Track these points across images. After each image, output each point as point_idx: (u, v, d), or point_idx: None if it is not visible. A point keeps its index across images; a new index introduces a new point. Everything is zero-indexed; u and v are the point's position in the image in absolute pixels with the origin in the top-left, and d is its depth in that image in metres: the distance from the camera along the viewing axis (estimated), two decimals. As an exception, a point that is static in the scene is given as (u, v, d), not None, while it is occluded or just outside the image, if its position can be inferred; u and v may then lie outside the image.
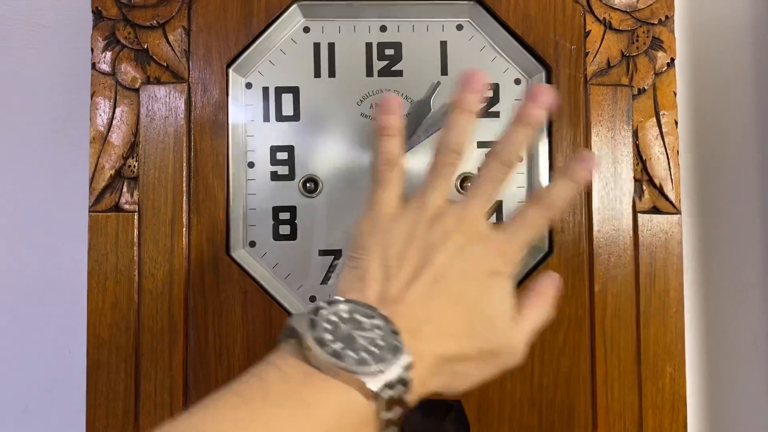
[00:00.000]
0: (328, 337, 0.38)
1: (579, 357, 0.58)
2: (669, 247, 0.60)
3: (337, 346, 0.38)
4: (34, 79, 0.76)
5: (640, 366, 0.59)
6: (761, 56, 0.84)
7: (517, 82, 0.62)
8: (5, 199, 0.77)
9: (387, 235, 0.45)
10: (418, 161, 0.61)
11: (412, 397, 0.40)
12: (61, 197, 0.75)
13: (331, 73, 0.61)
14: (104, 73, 0.59)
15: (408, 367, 0.39)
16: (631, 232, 0.59)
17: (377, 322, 0.40)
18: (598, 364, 0.58)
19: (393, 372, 0.38)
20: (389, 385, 0.38)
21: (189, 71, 0.59)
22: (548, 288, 0.48)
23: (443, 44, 0.62)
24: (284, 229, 0.60)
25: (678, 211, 0.60)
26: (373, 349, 0.38)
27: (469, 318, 0.43)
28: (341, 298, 0.41)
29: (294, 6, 0.60)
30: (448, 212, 0.45)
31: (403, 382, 0.38)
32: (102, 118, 0.59)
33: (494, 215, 0.61)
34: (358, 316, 0.40)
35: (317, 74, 0.61)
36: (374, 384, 0.37)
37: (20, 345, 0.80)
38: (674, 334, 0.59)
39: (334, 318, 0.40)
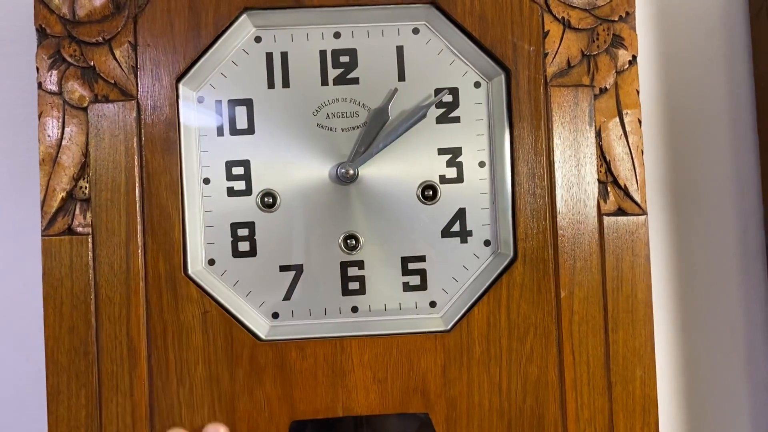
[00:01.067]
0: None
1: (547, 364, 0.58)
2: (635, 249, 0.59)
3: None
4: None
5: (609, 371, 0.58)
6: (731, 48, 0.83)
7: (477, 85, 0.60)
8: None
9: None
10: (375, 172, 0.59)
11: None
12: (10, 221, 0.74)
13: (285, 84, 0.59)
14: (51, 93, 0.58)
15: None
16: (597, 236, 0.59)
17: None
18: (567, 371, 0.58)
19: None
20: None
21: (138, 88, 0.57)
22: None
23: (400, 49, 0.60)
24: (243, 246, 0.59)
25: (644, 212, 0.59)
26: None
27: None
28: None
29: (244, 15, 0.59)
30: None
31: None
32: (51, 140, 0.58)
33: (457, 223, 0.60)
34: None
35: (271, 85, 0.59)
36: None
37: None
38: (643, 337, 0.58)
39: None
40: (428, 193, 0.60)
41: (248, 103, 0.59)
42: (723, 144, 0.83)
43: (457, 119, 0.60)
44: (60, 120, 0.58)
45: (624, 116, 0.60)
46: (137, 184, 0.57)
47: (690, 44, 0.82)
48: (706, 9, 0.82)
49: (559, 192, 0.58)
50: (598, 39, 0.60)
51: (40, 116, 0.58)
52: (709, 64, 0.83)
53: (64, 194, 0.57)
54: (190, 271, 0.58)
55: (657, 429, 0.58)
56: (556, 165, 0.58)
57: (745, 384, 0.81)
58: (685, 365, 0.81)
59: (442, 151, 0.60)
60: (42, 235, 0.57)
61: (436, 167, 0.60)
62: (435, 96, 0.60)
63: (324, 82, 0.60)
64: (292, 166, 0.59)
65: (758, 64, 0.82)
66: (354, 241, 0.59)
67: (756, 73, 0.82)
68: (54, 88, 0.58)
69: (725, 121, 0.83)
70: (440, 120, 0.60)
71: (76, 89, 0.57)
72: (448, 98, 0.60)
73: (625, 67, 0.60)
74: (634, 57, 0.60)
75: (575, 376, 0.58)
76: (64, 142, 0.58)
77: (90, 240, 0.57)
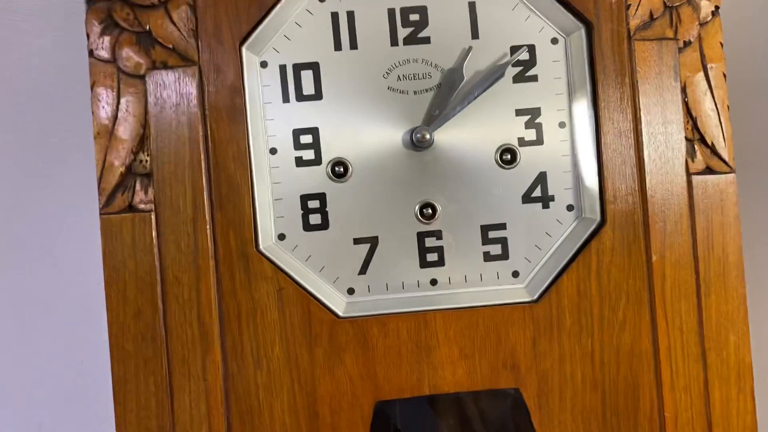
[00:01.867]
0: None
1: (640, 332, 0.55)
2: (725, 209, 0.56)
3: None
4: (21, 71, 0.70)
5: (703, 337, 0.56)
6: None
7: (554, 41, 0.57)
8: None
9: None
10: (451, 136, 0.56)
11: None
12: (63, 198, 0.70)
13: (353, 45, 0.56)
14: (104, 61, 0.54)
15: None
16: (686, 197, 0.56)
17: None
18: (661, 338, 0.55)
19: None
20: None
21: (199, 52, 0.54)
22: None
23: (472, 5, 0.57)
24: (315, 219, 0.56)
25: (732, 170, 0.57)
26: None
27: None
28: None
29: (308, -27, 0.55)
30: None
31: None
32: (106, 111, 0.54)
33: (539, 188, 0.57)
34: None
35: (338, 47, 0.56)
36: None
37: (29, 358, 0.75)
38: (736, 301, 0.56)
39: None
40: (507, 156, 0.57)
41: (314, 67, 0.56)
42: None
43: (534, 78, 0.57)
44: (115, 90, 0.54)
45: (709, 70, 0.57)
46: (202, 156, 0.53)
47: None
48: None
49: (647, 151, 0.56)
50: (680, -11, 0.57)
51: (92, 86, 0.54)
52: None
53: (123, 169, 0.54)
54: (261, 247, 0.54)
55: (752, 395, 0.56)
56: (643, 123, 0.56)
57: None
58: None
59: (520, 112, 0.57)
60: (100, 214, 0.53)
61: (514, 129, 0.57)
62: (511, 54, 0.57)
63: (394, 42, 0.56)
64: (363, 133, 0.56)
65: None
66: (431, 210, 0.56)
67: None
68: (107, 55, 0.54)
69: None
70: (517, 79, 0.57)
71: (132, 56, 0.54)
72: (524, 56, 0.57)
73: (708, 19, 0.57)
74: (717, 8, 0.57)
75: (669, 344, 0.55)
76: (120, 114, 0.54)
77: (153, 217, 0.53)
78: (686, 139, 0.57)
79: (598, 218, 0.56)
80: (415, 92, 0.56)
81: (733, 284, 0.56)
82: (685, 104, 0.57)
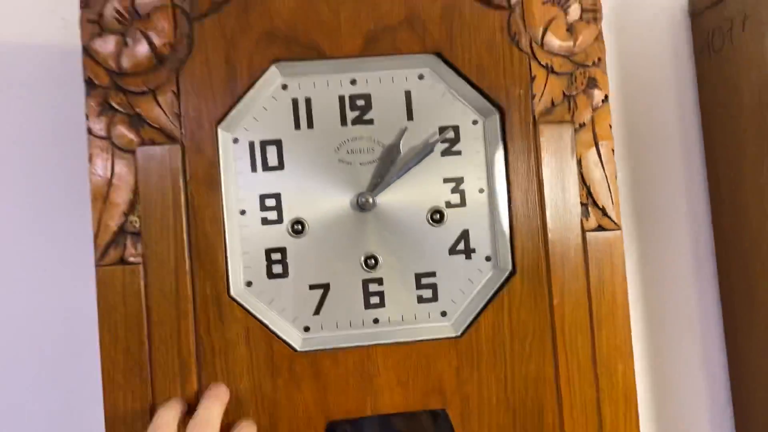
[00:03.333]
0: None
1: (544, 362, 0.67)
2: (614, 259, 0.69)
3: None
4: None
5: (596, 366, 0.68)
6: (679, 82, 0.95)
7: (475, 122, 0.70)
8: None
9: None
10: (390, 199, 0.68)
11: None
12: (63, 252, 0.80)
13: (310, 125, 0.68)
14: (100, 137, 0.64)
15: None
16: (581, 250, 0.68)
17: None
18: (561, 367, 0.67)
19: None
20: None
21: (181, 132, 0.65)
22: None
23: (408, 93, 0.69)
24: (277, 268, 0.67)
25: (619, 228, 0.69)
26: None
27: None
28: None
29: (273, 66, 0.66)
30: None
31: None
32: (101, 179, 0.64)
33: (462, 242, 0.69)
34: None
35: (297, 126, 0.67)
36: None
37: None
38: (623, 335, 0.68)
39: None
40: (436, 216, 0.69)
41: (278, 143, 0.67)
42: (676, 166, 0.95)
43: (459, 152, 0.69)
44: (109, 161, 0.64)
45: (600, 147, 0.70)
46: (184, 218, 0.64)
47: (645, 80, 0.94)
48: (656, 49, 0.95)
49: (549, 213, 0.68)
50: (576, 81, 0.70)
51: (90, 158, 0.64)
52: (659, 96, 0.95)
53: (115, 228, 0.64)
54: (232, 293, 0.65)
55: (637, 414, 0.68)
56: (546, 190, 0.68)
57: (702, 370, 0.94)
58: (651, 356, 0.93)
59: (446, 180, 0.69)
60: (96, 266, 0.64)
61: (442, 194, 0.69)
62: (439, 133, 0.69)
63: (343, 122, 0.68)
64: (318, 197, 0.67)
65: (702, 94, 0.94)
66: (374, 261, 0.68)
67: (701, 102, 0.95)
68: (103, 133, 0.64)
69: (676, 146, 0.95)
70: (444, 153, 0.69)
71: (124, 134, 0.64)
72: (450, 134, 0.69)
73: (600, 105, 0.70)
74: (606, 96, 0.71)
75: (568, 372, 0.67)
76: (114, 181, 0.64)
77: (141, 269, 0.64)
78: (581, 203, 0.69)
79: (510, 267, 0.68)
80: (360, 163, 0.68)
81: (621, 321, 0.69)
82: (581, 175, 0.69)
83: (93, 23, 0.64)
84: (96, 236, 0.64)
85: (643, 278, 0.94)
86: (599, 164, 0.70)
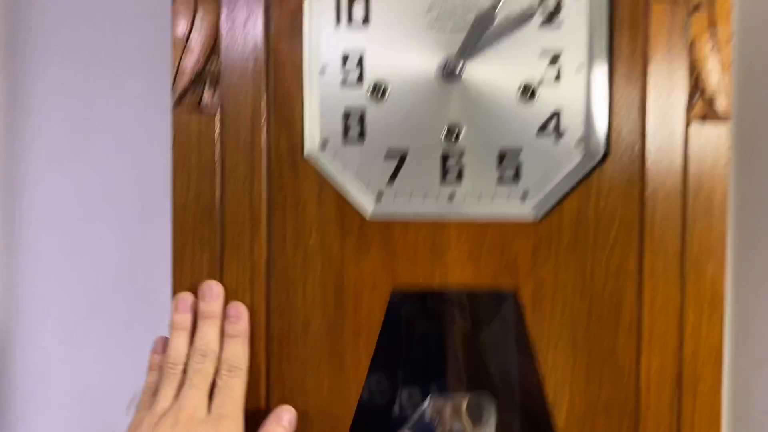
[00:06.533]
0: None
1: (629, 254, 0.63)
2: (717, 153, 0.63)
3: None
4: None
5: (683, 264, 0.63)
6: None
7: (579, -7, 0.64)
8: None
9: None
10: (479, 70, 0.64)
11: None
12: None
13: (402, -21, 0.64)
14: (185, -21, 0.62)
15: None
16: (683, 140, 0.63)
17: None
18: (646, 261, 0.63)
19: None
20: None
21: (267, -23, 0.62)
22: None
23: (508, -46, 0.64)
24: (353, 132, 0.64)
25: (727, 119, 0.64)
26: None
27: None
28: None
29: None
30: (169, 412, 0.55)
31: None
32: (183, 24, 0.62)
33: (553, 122, 0.64)
34: None
35: (388, -20, 0.64)
36: None
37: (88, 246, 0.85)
38: (717, 234, 0.63)
39: None
40: (527, 93, 0.64)
41: (366, -3, 0.64)
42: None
43: (559, 24, 0.64)
44: (191, 5, 0.62)
45: (716, 32, 0.64)
46: (263, 68, 0.62)
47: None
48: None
49: (651, 98, 0.63)
50: (696, -45, 0.63)
51: (173, 3, 0.63)
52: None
53: (193, 74, 0.62)
54: (306, 152, 0.63)
55: (722, 320, 0.64)
56: (650, 74, 0.63)
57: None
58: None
59: (542, 54, 0.64)
60: (173, 108, 0.63)
61: (536, 69, 0.64)
62: (539, 2, 0.64)
63: (438, -19, 0.64)
64: (404, 60, 0.64)
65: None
66: (455, 133, 0.64)
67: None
68: (188, -25, 0.62)
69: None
70: (543, 24, 0.64)
71: (210, -24, 0.62)
72: (552, 3, 0.64)
73: (720, -16, 0.64)
74: (729, -26, 0.64)
75: (653, 267, 0.63)
76: (195, 25, 0.62)
77: (218, 116, 0.62)
78: (688, 90, 0.64)
79: (602, 152, 0.64)
80: (450, 29, 0.64)
81: (717, 221, 0.63)
82: (691, 60, 0.64)
83: None
84: (174, 79, 0.63)
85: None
86: (713, 50, 0.64)
